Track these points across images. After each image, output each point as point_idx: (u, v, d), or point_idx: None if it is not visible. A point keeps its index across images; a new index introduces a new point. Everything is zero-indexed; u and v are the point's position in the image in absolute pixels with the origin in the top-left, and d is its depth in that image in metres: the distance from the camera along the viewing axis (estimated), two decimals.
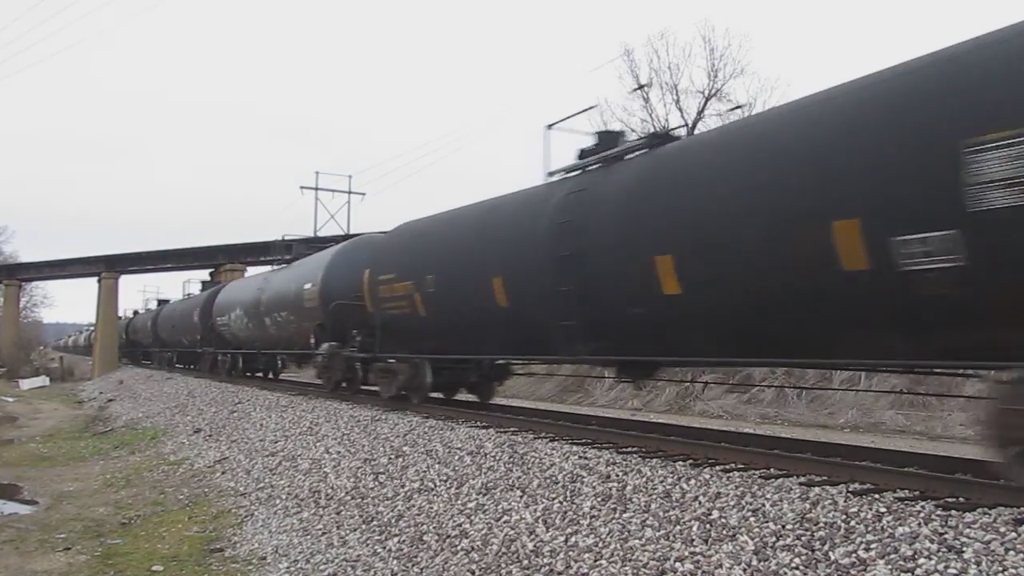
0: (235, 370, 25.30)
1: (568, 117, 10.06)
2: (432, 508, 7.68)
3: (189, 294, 37.90)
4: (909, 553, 4.44)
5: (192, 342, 30.16)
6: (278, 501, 9.69)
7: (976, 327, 5.63)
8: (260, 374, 24.90)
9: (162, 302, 43.40)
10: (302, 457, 11.24)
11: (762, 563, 4.85)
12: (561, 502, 6.74)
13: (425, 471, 8.75)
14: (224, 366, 26.04)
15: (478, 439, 9.29)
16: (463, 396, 13.78)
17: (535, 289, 9.31)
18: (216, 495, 10.78)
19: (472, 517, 7.10)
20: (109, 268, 44.83)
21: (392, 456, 9.74)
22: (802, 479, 6.16)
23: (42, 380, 43.09)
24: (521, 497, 7.13)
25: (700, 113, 27.77)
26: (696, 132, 8.32)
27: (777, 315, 6.86)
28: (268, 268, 27.95)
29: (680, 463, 7.09)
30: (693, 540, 5.39)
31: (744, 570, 4.85)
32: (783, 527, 5.19)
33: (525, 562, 5.97)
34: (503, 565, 6.04)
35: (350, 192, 37.68)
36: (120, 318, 49.88)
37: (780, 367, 14.06)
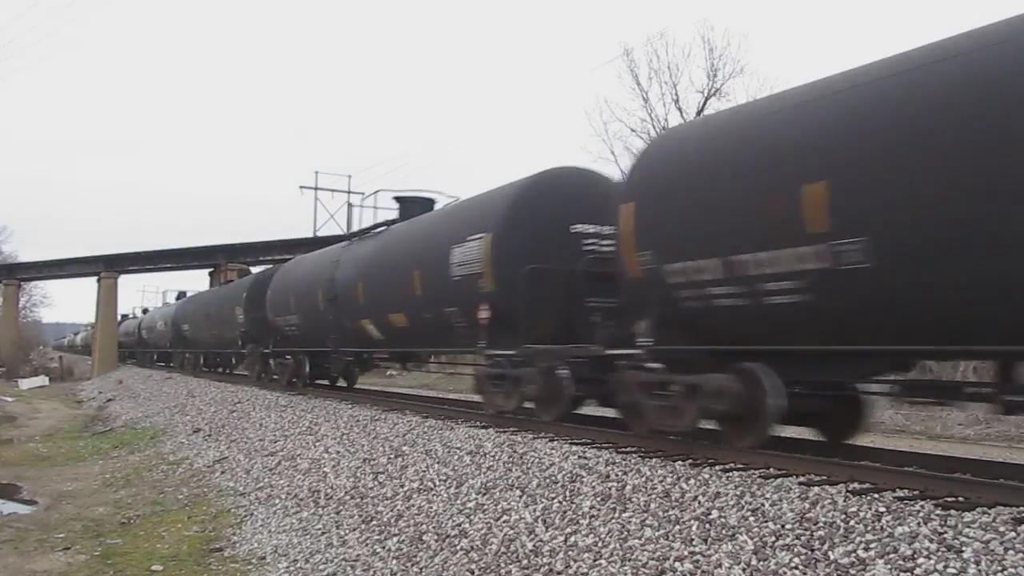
0: (198, 367, 31.06)
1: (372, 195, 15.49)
2: (431, 508, 7.68)
3: (167, 303, 44.09)
4: (908, 552, 4.44)
5: (166, 344, 36.91)
6: (277, 501, 9.69)
7: None
8: (219, 369, 29.48)
9: (145, 310, 53.04)
10: (301, 457, 11.24)
11: (761, 563, 4.85)
12: (561, 502, 6.74)
13: (424, 471, 8.75)
14: (189, 364, 32.57)
15: (477, 439, 9.29)
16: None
17: (322, 315, 16.14)
18: (215, 495, 10.78)
19: (472, 517, 7.10)
20: (108, 268, 44.80)
21: (391, 456, 9.74)
22: (801, 479, 6.15)
23: (41, 380, 43.05)
24: (520, 497, 7.13)
25: (700, 112, 27.83)
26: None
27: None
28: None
29: (679, 463, 7.09)
30: (692, 540, 5.39)
31: (743, 570, 4.85)
32: (782, 527, 5.19)
33: (524, 562, 5.97)
34: (502, 565, 6.04)
35: (350, 192, 37.78)
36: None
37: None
